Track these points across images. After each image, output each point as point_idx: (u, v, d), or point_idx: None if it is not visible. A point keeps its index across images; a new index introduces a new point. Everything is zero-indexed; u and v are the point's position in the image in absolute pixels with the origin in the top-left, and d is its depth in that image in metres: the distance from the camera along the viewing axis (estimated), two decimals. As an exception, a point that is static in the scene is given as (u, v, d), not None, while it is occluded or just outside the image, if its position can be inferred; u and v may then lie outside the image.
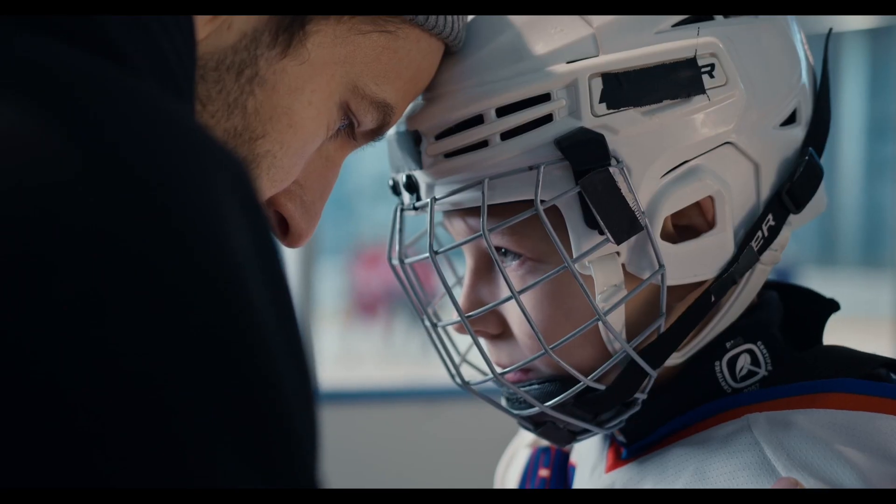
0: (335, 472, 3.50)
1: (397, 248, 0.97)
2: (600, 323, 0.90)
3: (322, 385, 3.69)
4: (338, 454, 3.59)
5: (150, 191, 0.48)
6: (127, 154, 0.48)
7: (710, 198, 0.91)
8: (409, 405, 3.56)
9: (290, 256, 3.66)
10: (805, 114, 0.95)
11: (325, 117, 0.83)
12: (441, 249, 0.93)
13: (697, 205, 0.91)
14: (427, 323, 0.97)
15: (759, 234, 0.93)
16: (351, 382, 4.29)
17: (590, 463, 1.01)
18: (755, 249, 0.93)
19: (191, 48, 0.67)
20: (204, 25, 0.75)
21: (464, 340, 1.00)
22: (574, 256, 0.89)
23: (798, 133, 0.95)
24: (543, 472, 1.06)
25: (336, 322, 12.21)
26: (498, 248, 0.93)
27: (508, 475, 1.11)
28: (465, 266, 0.98)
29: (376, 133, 0.87)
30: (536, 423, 0.96)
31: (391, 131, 0.95)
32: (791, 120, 0.94)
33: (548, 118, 0.88)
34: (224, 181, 0.51)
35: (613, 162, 0.88)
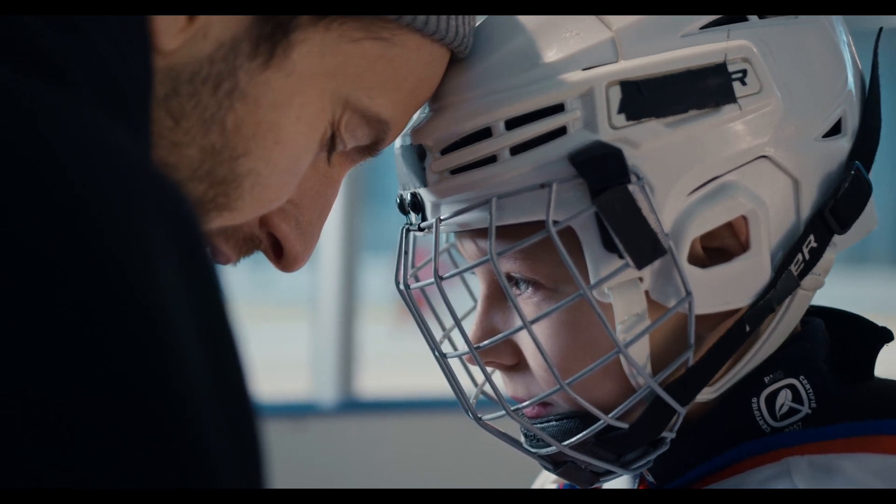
0: (372, 482, 3.44)
1: (403, 271, 0.89)
2: (621, 356, 0.82)
3: (365, 392, 3.64)
4: (375, 464, 3.53)
5: (64, 227, 0.45)
6: (44, 184, 0.46)
7: (744, 217, 0.82)
8: (444, 415, 3.49)
9: (332, 253, 3.59)
10: (851, 123, 0.86)
11: (317, 133, 0.76)
12: (447, 275, 0.85)
13: (730, 225, 0.83)
14: (436, 353, 0.89)
15: (800, 256, 0.84)
16: (392, 390, 4.20)
17: None
18: (795, 274, 0.84)
19: (145, 62, 0.62)
20: (176, 34, 0.69)
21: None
22: (591, 283, 0.81)
23: (843, 145, 0.86)
24: None
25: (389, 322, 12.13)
26: (510, 275, 0.85)
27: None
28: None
29: (371, 150, 0.80)
30: (556, 463, 0.88)
31: (397, 144, 0.87)
32: (835, 130, 0.86)
33: (561, 131, 0.80)
34: (153, 214, 0.48)
35: (633, 178, 0.80)
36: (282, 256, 0.80)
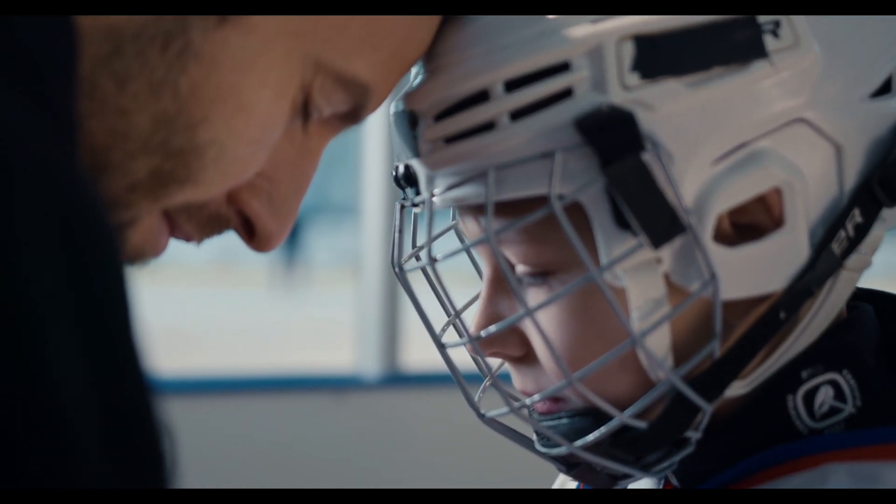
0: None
1: (398, 251, 0.80)
2: (638, 347, 0.72)
3: (409, 366, 3.56)
4: (417, 439, 3.46)
5: None
6: None
7: (777, 189, 0.72)
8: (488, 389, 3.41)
9: (377, 220, 3.49)
10: None
11: (285, 99, 0.68)
12: (442, 256, 0.76)
13: (762, 198, 0.73)
14: (436, 343, 0.80)
15: (843, 233, 0.74)
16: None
17: (640, 507, 0.84)
18: (837, 253, 0.74)
19: (64, 19, 0.54)
20: None
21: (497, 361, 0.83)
22: (602, 264, 0.71)
23: (894, 105, 0.75)
24: None
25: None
26: (514, 268, 0.76)
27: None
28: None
29: (353, 117, 0.71)
30: (569, 464, 0.79)
31: (391, 110, 0.78)
32: (885, 89, 0.75)
33: (566, 93, 0.71)
34: (29, 203, 0.44)
35: (648, 146, 0.70)
36: (254, 236, 0.72)
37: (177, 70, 0.64)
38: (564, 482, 0.91)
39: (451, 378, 0.80)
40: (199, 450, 3.29)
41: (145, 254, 0.69)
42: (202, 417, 3.36)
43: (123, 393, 0.45)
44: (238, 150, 0.67)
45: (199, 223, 0.70)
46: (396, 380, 3.52)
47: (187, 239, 0.71)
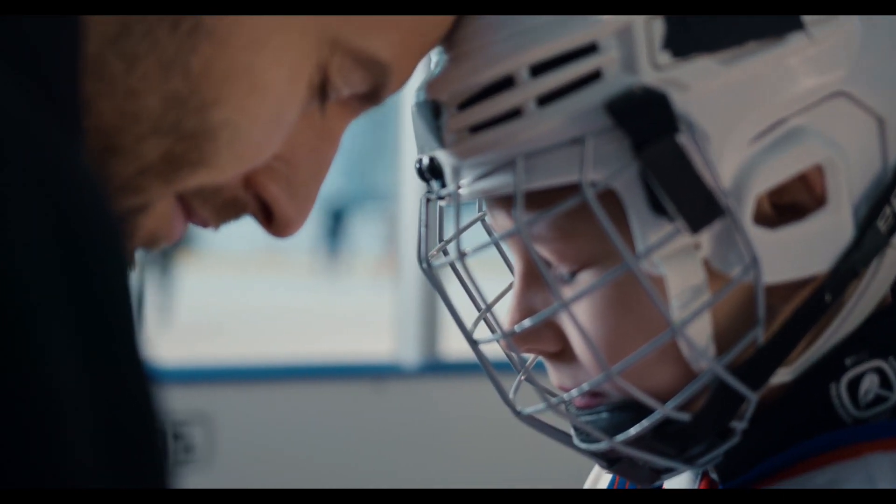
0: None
1: (425, 246, 0.78)
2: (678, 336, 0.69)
3: (449, 354, 3.55)
4: (457, 427, 3.45)
5: None
6: None
7: (818, 166, 0.69)
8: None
9: (415, 206, 3.47)
10: None
11: (301, 79, 0.66)
12: (471, 251, 0.74)
13: (802, 177, 0.70)
14: (468, 338, 0.78)
15: (888, 209, 0.71)
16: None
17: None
18: (883, 230, 0.71)
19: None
20: None
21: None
22: (639, 252, 0.69)
23: None
24: None
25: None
26: (549, 263, 0.74)
27: None
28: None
29: (373, 98, 0.69)
30: (610, 460, 0.77)
31: (412, 100, 0.76)
32: None
33: (595, 75, 0.68)
34: (25, 194, 0.42)
35: (683, 127, 0.67)
36: (272, 221, 0.70)
37: (187, 49, 0.62)
38: (599, 475, 0.89)
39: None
40: (237, 437, 3.29)
41: (159, 239, 0.67)
42: (241, 405, 3.36)
43: (122, 390, 0.44)
44: (253, 131, 0.65)
45: (215, 208, 0.68)
46: (435, 368, 3.51)
47: (204, 224, 0.69)
